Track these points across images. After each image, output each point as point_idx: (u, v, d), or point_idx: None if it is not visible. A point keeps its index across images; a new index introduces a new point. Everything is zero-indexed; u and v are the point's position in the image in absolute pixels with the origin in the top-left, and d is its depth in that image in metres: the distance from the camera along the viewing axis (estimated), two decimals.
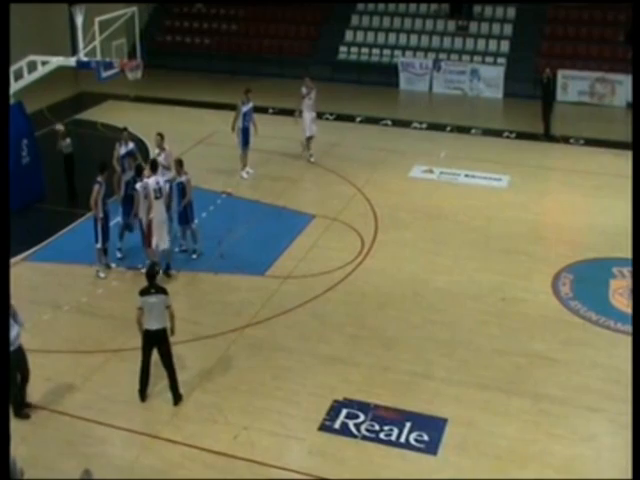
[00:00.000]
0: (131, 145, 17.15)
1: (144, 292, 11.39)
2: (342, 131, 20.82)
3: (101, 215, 14.90)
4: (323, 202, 18.72)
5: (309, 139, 20.74)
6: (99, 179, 14.89)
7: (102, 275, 15.17)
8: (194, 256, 15.78)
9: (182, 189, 15.51)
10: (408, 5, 30.98)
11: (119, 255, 15.84)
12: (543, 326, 13.72)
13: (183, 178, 15.50)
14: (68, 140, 18.96)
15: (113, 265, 15.53)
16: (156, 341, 11.40)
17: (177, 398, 11.60)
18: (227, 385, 12.12)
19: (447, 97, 28.31)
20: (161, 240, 14.75)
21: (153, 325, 11.31)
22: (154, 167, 15.02)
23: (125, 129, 17.48)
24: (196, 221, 16.05)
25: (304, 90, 20.49)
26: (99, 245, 15.05)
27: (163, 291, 11.45)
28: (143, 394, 11.65)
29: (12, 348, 10.44)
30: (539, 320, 13.90)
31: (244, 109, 19.66)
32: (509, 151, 22.68)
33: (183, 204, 15.50)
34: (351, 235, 16.99)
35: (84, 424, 11.14)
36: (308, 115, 20.49)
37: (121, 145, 17.02)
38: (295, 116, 20.67)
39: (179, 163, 15.57)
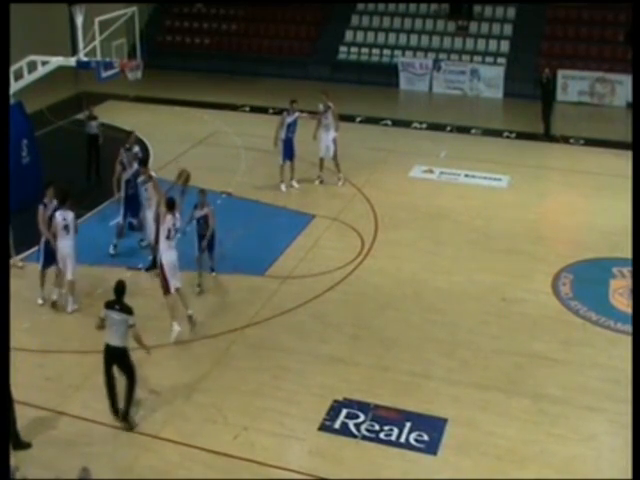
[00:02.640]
0: (136, 149, 17.08)
1: (109, 305, 11.11)
2: (342, 131, 20.81)
3: (43, 239, 14.00)
4: (323, 202, 18.73)
5: (321, 160, 19.69)
6: (45, 200, 14.03)
7: (40, 302, 14.06)
8: (213, 274, 15.07)
9: (205, 222, 14.58)
10: (408, 5, 30.99)
11: (112, 252, 15.71)
12: (543, 326, 13.72)
13: (205, 210, 14.57)
14: (94, 123, 19.64)
15: (54, 297, 14.09)
16: (114, 358, 11.03)
17: (125, 419, 11.05)
18: (227, 385, 12.12)
19: (447, 97, 28.33)
20: (175, 278, 13.18)
21: (112, 341, 11.00)
22: (171, 206, 13.14)
23: (132, 132, 17.35)
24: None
25: (321, 107, 19.43)
26: (40, 267, 14.09)
27: (128, 310, 10.99)
28: (115, 409, 11.13)
29: None
30: (539, 320, 13.90)
31: (289, 120, 18.80)
32: (509, 151, 22.70)
33: (207, 238, 14.54)
34: (351, 235, 16.99)
35: (84, 424, 11.13)
36: (324, 136, 19.34)
37: (127, 150, 16.95)
38: (313, 135, 19.51)
39: (202, 193, 14.62)
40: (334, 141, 19.52)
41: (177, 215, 13.13)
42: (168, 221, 13.03)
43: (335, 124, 19.47)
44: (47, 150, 19.70)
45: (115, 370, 11.11)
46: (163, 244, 13.07)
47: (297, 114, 18.99)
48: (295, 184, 19.39)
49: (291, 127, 18.91)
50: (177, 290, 13.16)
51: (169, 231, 13.02)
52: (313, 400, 11.66)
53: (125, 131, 23.41)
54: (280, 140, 18.88)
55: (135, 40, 19.05)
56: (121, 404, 11.10)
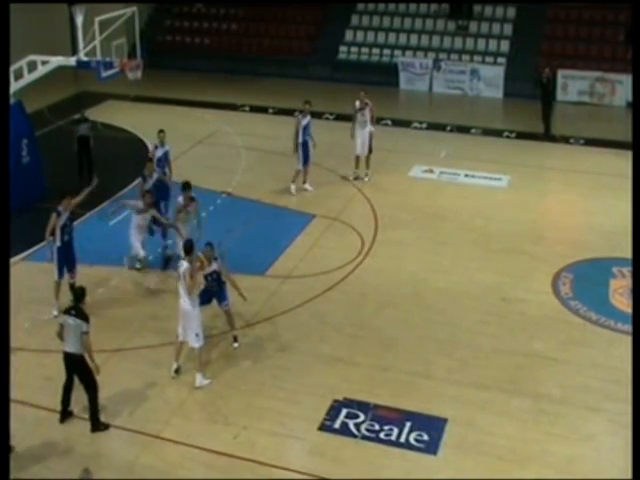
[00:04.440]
0: (167, 147, 17.15)
1: (66, 310, 11.01)
2: (342, 131, 20.87)
3: (58, 244, 13.70)
4: (323, 202, 18.71)
5: (357, 158, 19.83)
6: (60, 208, 13.72)
7: (55, 313, 13.64)
8: (235, 345, 13.17)
9: (215, 279, 12.73)
10: (408, 5, 31.02)
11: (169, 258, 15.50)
12: (543, 326, 13.72)
13: (214, 266, 12.58)
14: (85, 125, 19.80)
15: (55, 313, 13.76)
16: (70, 365, 10.97)
17: (94, 427, 11.02)
18: (227, 385, 12.12)
19: (447, 97, 28.34)
20: (185, 329, 12.14)
21: (67, 347, 10.92)
22: (187, 250, 12.08)
23: (162, 131, 17.35)
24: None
25: (357, 104, 19.53)
26: (55, 277, 13.83)
27: (83, 317, 10.79)
28: (62, 414, 11.19)
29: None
30: (539, 320, 13.90)
31: (303, 122, 18.57)
32: (509, 151, 22.71)
33: (238, 290, 12.96)
34: (351, 235, 16.99)
35: (84, 424, 11.12)
36: (359, 133, 19.52)
37: (157, 147, 17.02)
38: (351, 134, 19.67)
39: (210, 247, 12.48)
40: (370, 135, 19.56)
41: (184, 260, 12.02)
42: (179, 267, 12.09)
43: (372, 121, 19.62)
44: (47, 150, 19.72)
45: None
46: (179, 289, 12.12)
47: (309, 116, 18.72)
48: (309, 187, 19.25)
49: (307, 129, 18.69)
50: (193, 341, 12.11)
51: (182, 277, 11.95)
52: (313, 400, 11.67)
53: (125, 130, 23.60)
54: (298, 144, 18.69)
55: (135, 40, 19.04)
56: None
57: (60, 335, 11.02)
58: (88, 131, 19.86)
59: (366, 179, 19.89)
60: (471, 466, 10.48)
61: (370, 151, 19.84)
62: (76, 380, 11.19)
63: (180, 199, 14.87)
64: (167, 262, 15.49)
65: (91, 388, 11.03)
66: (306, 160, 18.98)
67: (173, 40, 32.30)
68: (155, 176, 15.81)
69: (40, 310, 13.97)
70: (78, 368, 10.99)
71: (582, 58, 27.75)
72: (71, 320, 10.86)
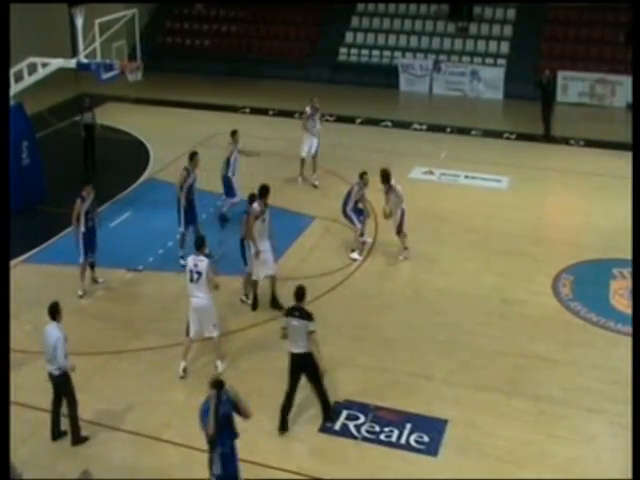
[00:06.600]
0: (239, 145, 17.76)
1: (288, 312, 11.02)
2: (342, 132, 20.91)
3: (82, 229, 14.31)
4: (323, 203, 18.70)
5: (302, 161, 19.71)
6: (83, 194, 14.33)
7: (80, 293, 14.50)
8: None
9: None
10: (408, 6, 31.06)
11: (182, 262, 14.64)
12: (543, 327, 13.72)
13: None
14: (89, 113, 20.37)
15: (101, 280, 14.93)
16: (300, 365, 11.03)
17: (328, 417, 11.23)
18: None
19: (447, 98, 28.34)
20: (200, 326, 12.24)
21: (294, 348, 11.00)
22: (199, 245, 12.23)
23: (236, 131, 17.77)
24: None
25: (308, 110, 19.49)
26: (81, 260, 14.47)
27: (307, 316, 10.88)
28: (283, 425, 11.15)
29: None
30: (539, 321, 13.90)
31: (355, 195, 16.16)
32: (509, 152, 22.72)
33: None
34: (351, 236, 16.95)
35: (84, 425, 11.10)
36: (308, 137, 19.44)
37: (233, 144, 17.59)
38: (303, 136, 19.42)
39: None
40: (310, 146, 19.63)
41: (200, 257, 12.00)
42: (197, 263, 11.99)
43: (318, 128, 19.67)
44: (47, 152, 19.72)
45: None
46: (189, 287, 12.15)
47: (363, 191, 16.21)
48: (356, 255, 16.22)
49: (349, 200, 16.18)
50: (210, 339, 12.36)
51: (190, 273, 12.02)
52: (313, 401, 11.65)
53: (125, 132, 23.61)
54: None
55: (135, 42, 19.06)
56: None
57: (285, 336, 11.08)
58: (92, 120, 20.22)
59: (316, 182, 19.72)
60: (471, 467, 10.48)
61: (315, 156, 19.72)
62: (80, 382, 11.18)
63: (255, 205, 13.97)
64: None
65: (320, 385, 11.10)
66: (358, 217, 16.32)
67: (173, 42, 32.34)
68: (197, 173, 16.15)
69: (41, 312, 13.91)
70: (308, 367, 11.00)
71: (582, 59, 27.78)
72: (295, 322, 10.85)
